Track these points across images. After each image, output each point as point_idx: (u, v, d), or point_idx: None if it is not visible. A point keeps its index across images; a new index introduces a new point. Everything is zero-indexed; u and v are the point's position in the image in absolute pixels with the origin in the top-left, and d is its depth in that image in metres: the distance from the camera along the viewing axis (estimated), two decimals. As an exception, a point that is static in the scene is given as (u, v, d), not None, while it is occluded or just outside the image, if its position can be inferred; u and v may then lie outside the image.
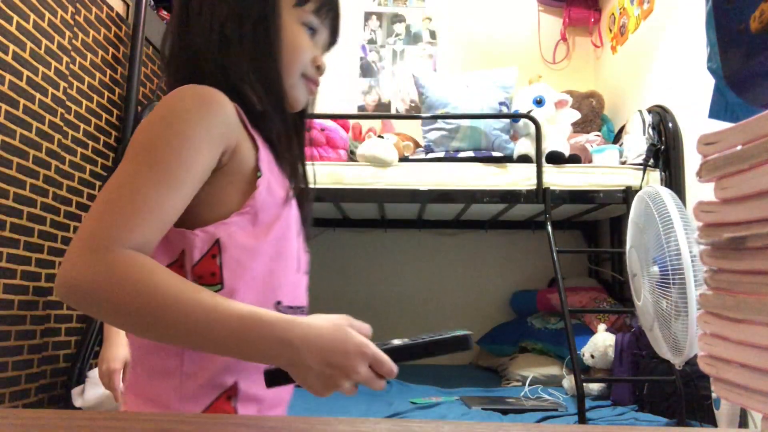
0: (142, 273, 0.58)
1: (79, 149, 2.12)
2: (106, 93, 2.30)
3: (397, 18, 3.50)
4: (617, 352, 2.13)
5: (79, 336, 2.11)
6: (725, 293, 0.48)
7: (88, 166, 2.18)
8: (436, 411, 1.91)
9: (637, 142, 2.36)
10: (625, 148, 2.47)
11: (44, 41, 1.89)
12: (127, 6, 2.48)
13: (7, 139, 1.72)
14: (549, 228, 2.25)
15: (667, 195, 1.55)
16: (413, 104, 3.35)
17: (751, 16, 1.11)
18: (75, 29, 2.07)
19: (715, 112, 1.29)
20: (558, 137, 2.41)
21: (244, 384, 0.69)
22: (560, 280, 2.13)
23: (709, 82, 1.31)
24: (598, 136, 2.71)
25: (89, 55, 2.17)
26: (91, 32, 2.19)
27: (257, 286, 0.69)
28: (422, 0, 3.51)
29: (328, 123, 2.46)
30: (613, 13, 3.10)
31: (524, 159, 2.38)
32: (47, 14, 1.90)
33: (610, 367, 2.18)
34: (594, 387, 2.18)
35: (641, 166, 2.29)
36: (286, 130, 0.77)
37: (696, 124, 2.17)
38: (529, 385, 2.33)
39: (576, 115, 2.53)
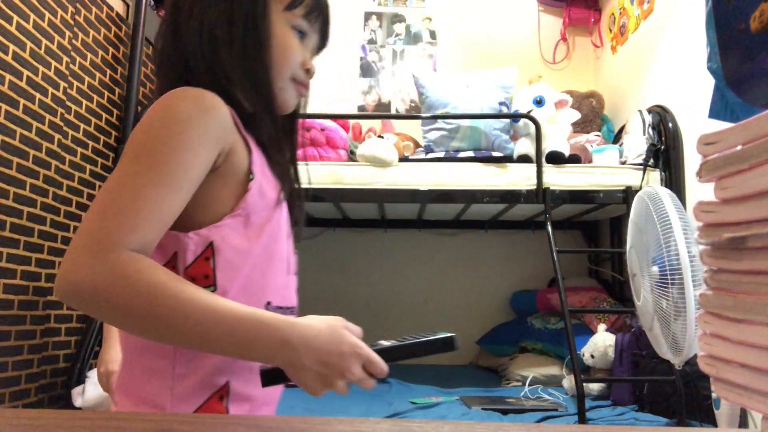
0: (144, 274, 0.59)
1: (79, 149, 2.12)
2: (106, 93, 2.30)
3: (397, 18, 3.50)
4: (617, 352, 2.13)
5: (79, 336, 2.11)
6: (725, 293, 0.48)
7: (88, 166, 2.18)
8: (436, 411, 1.91)
9: (637, 142, 2.36)
10: (625, 148, 2.47)
11: (44, 41, 1.89)
12: (127, 6, 2.48)
13: (7, 139, 1.72)
14: (549, 228, 2.25)
15: (666, 195, 1.55)
16: (413, 104, 3.35)
17: (751, 16, 1.11)
18: (75, 29, 2.07)
19: (715, 112, 1.29)
20: (558, 137, 2.41)
21: (235, 384, 0.69)
22: (560, 280, 2.13)
23: (709, 82, 1.31)
24: (598, 136, 2.71)
25: (89, 55, 2.17)
26: (91, 32, 2.19)
27: (248, 287, 0.70)
28: (422, 0, 3.51)
29: (328, 123, 2.46)
30: (613, 13, 3.10)
31: (524, 159, 2.38)
32: (47, 14, 1.90)
33: (610, 367, 2.17)
34: (594, 387, 2.18)
35: (641, 166, 2.29)
36: (276, 132, 0.78)
37: (696, 124, 2.17)
38: (529, 385, 2.33)
39: (576, 115, 2.53)
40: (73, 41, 2.06)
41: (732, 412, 1.53)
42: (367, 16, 3.49)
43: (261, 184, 0.72)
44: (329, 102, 3.20)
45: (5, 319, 1.74)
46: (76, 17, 2.08)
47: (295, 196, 0.81)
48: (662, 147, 2.30)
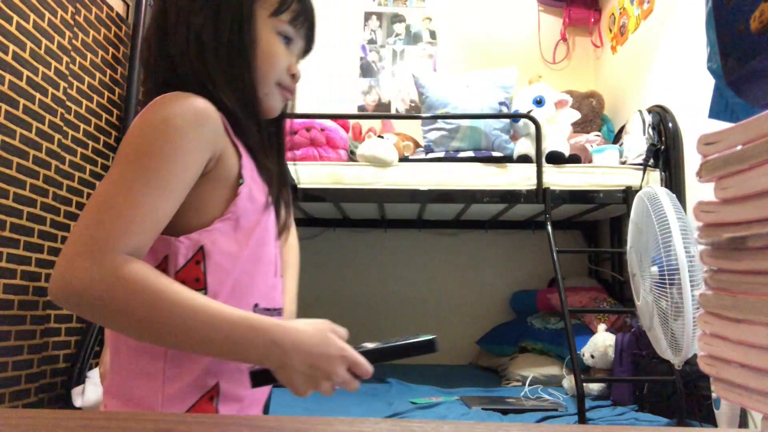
0: (142, 278, 0.60)
1: (79, 149, 2.12)
2: (106, 93, 2.30)
3: (397, 18, 3.50)
4: (617, 352, 2.13)
5: (79, 336, 2.11)
6: (725, 293, 0.48)
7: (88, 166, 2.18)
8: (436, 411, 1.91)
9: (637, 142, 2.36)
10: (625, 148, 2.47)
11: (44, 41, 1.89)
12: (127, 6, 2.48)
13: (7, 139, 1.72)
14: (549, 228, 2.25)
15: (665, 196, 1.55)
16: (413, 104, 3.35)
17: (751, 16, 1.11)
18: (75, 29, 2.07)
19: (715, 112, 1.29)
20: (558, 137, 2.41)
21: (225, 384, 0.71)
22: (560, 280, 2.13)
23: (709, 82, 1.31)
24: (598, 136, 2.71)
25: (89, 55, 2.17)
26: (91, 32, 2.19)
27: (237, 289, 0.71)
28: (422, 0, 3.51)
29: (328, 123, 2.45)
30: (613, 13, 3.10)
31: (524, 159, 2.38)
32: (47, 14, 1.90)
33: (610, 367, 2.18)
34: (594, 387, 2.18)
35: (641, 166, 2.29)
36: (262, 136, 0.78)
37: (696, 124, 2.17)
38: (529, 385, 2.33)
39: (576, 115, 2.53)
40: (73, 41, 2.06)
41: (732, 412, 1.53)
42: (367, 16, 3.49)
43: (250, 188, 0.73)
44: (329, 102, 3.21)
45: (5, 319, 1.74)
46: (76, 17, 2.08)
47: (282, 199, 0.82)
48: (662, 147, 2.30)
